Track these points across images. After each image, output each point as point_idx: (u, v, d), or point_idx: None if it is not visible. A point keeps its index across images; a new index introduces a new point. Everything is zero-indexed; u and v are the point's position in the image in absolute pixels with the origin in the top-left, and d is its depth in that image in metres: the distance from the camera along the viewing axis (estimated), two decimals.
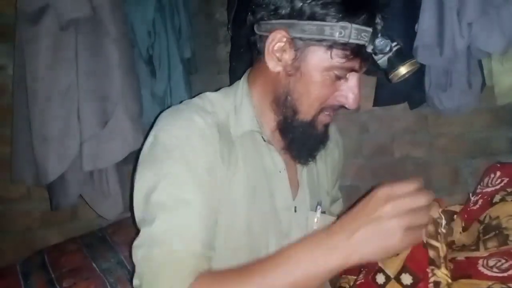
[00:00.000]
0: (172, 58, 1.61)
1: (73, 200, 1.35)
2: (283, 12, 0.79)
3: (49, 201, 1.35)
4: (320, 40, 0.77)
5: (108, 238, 1.25)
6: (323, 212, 0.97)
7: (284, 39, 0.80)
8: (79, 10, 1.22)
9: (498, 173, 0.93)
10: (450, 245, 0.84)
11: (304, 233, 0.93)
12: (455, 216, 0.87)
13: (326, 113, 0.86)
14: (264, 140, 0.90)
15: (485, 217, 0.84)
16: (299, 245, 0.69)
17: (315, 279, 0.67)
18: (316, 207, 0.96)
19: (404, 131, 1.70)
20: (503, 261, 0.71)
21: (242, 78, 0.94)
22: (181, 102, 0.91)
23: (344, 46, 0.77)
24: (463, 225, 0.88)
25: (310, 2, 0.76)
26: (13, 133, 1.31)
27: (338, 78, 0.82)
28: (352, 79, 0.83)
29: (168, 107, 0.90)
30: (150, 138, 0.84)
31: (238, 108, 0.88)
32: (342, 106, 0.86)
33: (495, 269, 0.70)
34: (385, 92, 1.55)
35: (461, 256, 0.77)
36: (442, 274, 0.68)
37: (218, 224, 0.81)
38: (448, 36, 1.27)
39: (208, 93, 0.91)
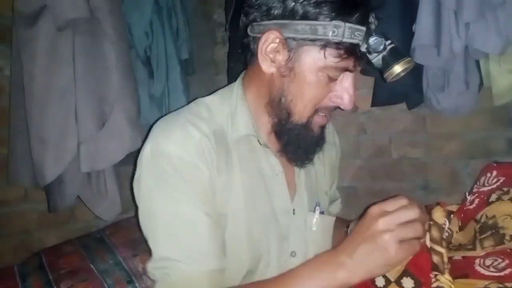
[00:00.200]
0: (169, 59, 1.61)
1: (70, 201, 1.35)
2: (276, 12, 0.79)
3: (47, 203, 1.35)
4: (313, 40, 0.77)
5: (106, 239, 1.25)
6: (321, 213, 0.97)
7: (277, 40, 0.80)
8: (76, 11, 1.21)
9: (495, 173, 0.92)
10: (447, 244, 0.84)
11: (303, 235, 0.93)
12: (452, 215, 0.87)
13: (321, 114, 0.85)
14: (260, 144, 0.89)
15: (481, 216, 0.84)
16: (307, 265, 0.75)
17: None
18: (315, 208, 0.96)
19: (402, 131, 1.69)
20: (500, 260, 0.71)
21: (237, 81, 0.93)
22: (178, 103, 0.90)
23: (337, 45, 0.77)
24: (460, 224, 0.88)
25: (302, 1, 0.76)
26: (11, 134, 1.30)
27: (333, 78, 0.81)
28: (347, 80, 0.83)
29: (166, 108, 0.90)
30: (147, 151, 0.82)
31: (233, 112, 0.88)
32: (338, 107, 0.86)
33: (491, 269, 0.70)
34: (383, 92, 1.55)
35: (458, 256, 0.77)
36: (445, 280, 0.68)
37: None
38: (445, 37, 1.27)
39: (204, 98, 0.90)
